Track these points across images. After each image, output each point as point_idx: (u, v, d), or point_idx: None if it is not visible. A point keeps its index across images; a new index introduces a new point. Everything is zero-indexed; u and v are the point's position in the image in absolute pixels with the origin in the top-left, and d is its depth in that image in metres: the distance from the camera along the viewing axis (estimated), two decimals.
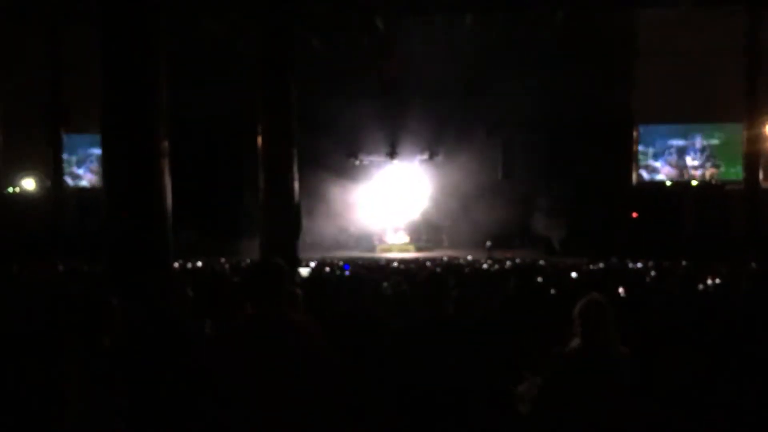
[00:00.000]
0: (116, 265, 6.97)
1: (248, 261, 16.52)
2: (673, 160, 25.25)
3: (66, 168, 25.22)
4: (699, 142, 25.10)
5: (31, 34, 23.13)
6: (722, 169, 24.90)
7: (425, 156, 26.48)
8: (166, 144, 7.22)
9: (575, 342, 3.41)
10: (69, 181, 25.87)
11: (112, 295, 3.23)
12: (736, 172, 23.54)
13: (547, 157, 24.17)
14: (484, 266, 13.97)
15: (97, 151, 24.38)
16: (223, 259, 17.56)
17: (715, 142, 25.02)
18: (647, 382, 3.58)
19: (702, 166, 25.13)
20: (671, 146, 25.27)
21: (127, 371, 3.21)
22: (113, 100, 7.09)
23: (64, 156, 24.75)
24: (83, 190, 25.95)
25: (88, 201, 23.57)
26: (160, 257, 7.11)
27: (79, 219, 23.75)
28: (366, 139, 25.44)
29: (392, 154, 26.52)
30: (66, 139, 24.58)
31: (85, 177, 26.54)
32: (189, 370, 3.24)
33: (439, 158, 26.23)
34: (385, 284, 7.44)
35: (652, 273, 9.80)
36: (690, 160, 25.19)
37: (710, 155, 25.07)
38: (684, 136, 25.16)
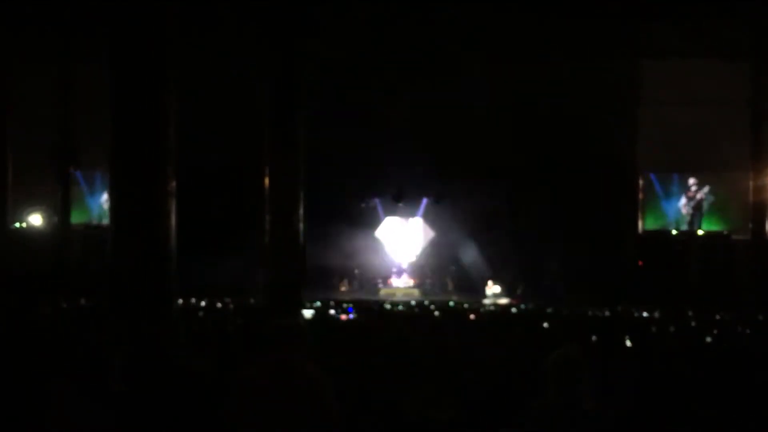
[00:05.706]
0: (120, 303, 6.97)
1: (252, 302, 16.43)
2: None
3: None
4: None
5: (42, 72, 23.53)
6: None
7: (432, 199, 26.49)
8: (174, 184, 7.28)
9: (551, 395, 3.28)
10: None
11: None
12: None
13: (553, 202, 24.13)
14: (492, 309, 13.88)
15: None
16: (228, 299, 17.47)
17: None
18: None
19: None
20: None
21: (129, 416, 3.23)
22: (122, 139, 7.18)
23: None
24: (89, 227, 25.99)
25: (94, 238, 23.61)
26: (164, 296, 7.10)
27: (83, 256, 23.77)
28: (372, 181, 25.48)
29: (398, 196, 26.51)
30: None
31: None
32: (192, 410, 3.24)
33: (446, 202, 26.19)
34: (388, 330, 7.40)
35: (657, 323, 9.73)
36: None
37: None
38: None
